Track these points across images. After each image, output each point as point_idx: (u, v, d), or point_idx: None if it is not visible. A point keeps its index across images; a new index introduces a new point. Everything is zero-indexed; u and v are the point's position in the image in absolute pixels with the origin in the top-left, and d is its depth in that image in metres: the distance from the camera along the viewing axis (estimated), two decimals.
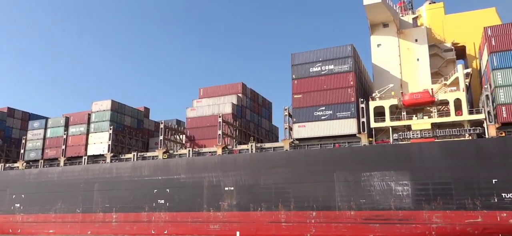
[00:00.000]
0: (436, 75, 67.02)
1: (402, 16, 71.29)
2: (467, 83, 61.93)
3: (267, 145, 68.92)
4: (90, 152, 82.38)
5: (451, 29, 71.75)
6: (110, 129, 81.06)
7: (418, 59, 66.13)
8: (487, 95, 55.10)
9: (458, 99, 57.03)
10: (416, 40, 66.95)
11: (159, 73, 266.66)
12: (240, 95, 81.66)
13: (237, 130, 77.14)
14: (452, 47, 68.35)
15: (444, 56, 67.66)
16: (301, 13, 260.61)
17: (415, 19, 69.55)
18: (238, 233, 64.02)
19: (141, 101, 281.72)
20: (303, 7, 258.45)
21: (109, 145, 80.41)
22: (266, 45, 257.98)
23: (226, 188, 66.43)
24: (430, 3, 76.92)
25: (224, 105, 77.47)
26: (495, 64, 55.43)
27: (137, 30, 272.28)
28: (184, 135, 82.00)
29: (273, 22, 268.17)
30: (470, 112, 56.79)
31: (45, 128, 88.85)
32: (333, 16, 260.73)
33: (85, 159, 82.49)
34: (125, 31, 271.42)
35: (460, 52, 71.48)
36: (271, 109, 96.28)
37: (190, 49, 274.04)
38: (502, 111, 53.58)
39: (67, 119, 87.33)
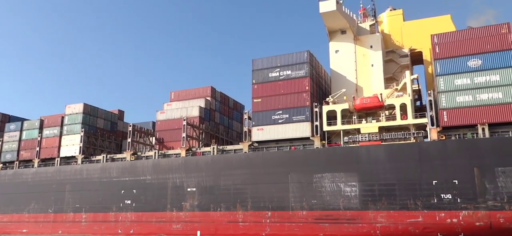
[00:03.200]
0: (391, 80, 69.58)
1: (361, 23, 73.73)
2: (415, 88, 64.62)
3: (228, 147, 71.37)
4: (63, 153, 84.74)
5: (409, 35, 74.33)
6: (82, 131, 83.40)
7: (372, 65, 68.62)
8: (430, 100, 57.64)
9: (403, 103, 59.55)
10: (371, 47, 69.45)
11: (136, 76, 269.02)
12: (208, 98, 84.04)
13: (204, 133, 79.52)
14: (407, 53, 70.87)
15: (399, 62, 70.22)
16: (282, 15, 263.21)
17: (372, 26, 71.97)
18: (198, 232, 66.42)
19: (120, 104, 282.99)
20: (284, 7, 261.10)
21: (80, 147, 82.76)
22: (246, 49, 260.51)
23: (189, 189, 68.87)
24: (390, 10, 79.60)
25: (192, 109, 79.80)
26: (438, 70, 58.01)
27: (120, 32, 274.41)
28: (154, 138, 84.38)
29: (259, 24, 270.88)
30: (415, 116, 59.28)
31: (21, 130, 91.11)
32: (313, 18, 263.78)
33: (58, 160, 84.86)
34: (113, 34, 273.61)
35: (418, 58, 74.10)
36: (243, 112, 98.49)
37: (167, 51, 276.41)
38: (444, 115, 56.14)
39: (41, 122, 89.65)
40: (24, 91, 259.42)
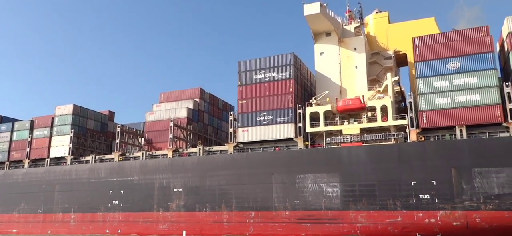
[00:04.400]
0: (375, 82, 70.39)
1: (346, 25, 74.55)
2: (398, 90, 65.51)
3: (214, 148, 72.24)
4: (53, 154, 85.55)
5: (394, 37, 75.14)
6: (71, 132, 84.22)
7: (356, 67, 69.42)
8: (410, 102, 58.52)
9: (384, 105, 60.44)
10: (355, 49, 70.25)
11: (129, 77, 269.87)
12: (197, 99, 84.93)
13: (192, 134, 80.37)
14: (391, 55, 71.72)
15: (383, 64, 71.06)
16: (277, 15, 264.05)
17: (357, 28, 72.74)
18: (184, 232, 67.25)
19: (113, 105, 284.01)
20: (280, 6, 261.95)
21: (69, 148, 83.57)
22: (240, 49, 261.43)
23: (175, 190, 69.69)
24: (377, 13, 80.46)
25: (180, 110, 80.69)
26: (418, 73, 58.92)
27: (117, 32, 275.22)
28: (142, 138, 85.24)
29: (257, 25, 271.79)
30: (396, 118, 60.17)
31: (12, 131, 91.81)
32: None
33: (47, 161, 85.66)
34: (112, 35, 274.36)
35: (404, 60, 74.93)
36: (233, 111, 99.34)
37: (160, 51, 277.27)
38: (423, 117, 57.04)
39: (32, 123, 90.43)
40: (17, 91, 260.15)
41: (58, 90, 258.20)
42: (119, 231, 72.71)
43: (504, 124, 53.22)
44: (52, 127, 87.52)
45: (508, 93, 53.92)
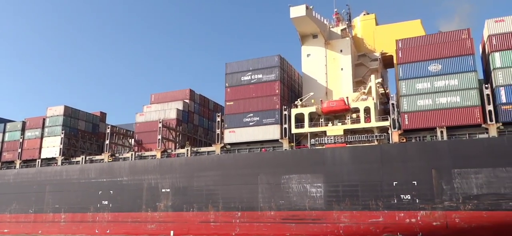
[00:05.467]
0: (361, 83, 71.18)
1: (333, 27, 75.38)
2: (382, 91, 66.36)
3: (202, 149, 73.11)
4: (44, 155, 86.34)
5: (381, 39, 75.97)
6: (62, 133, 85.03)
7: (342, 69, 70.27)
8: (392, 104, 59.36)
9: (367, 107, 61.29)
10: (341, 51, 71.11)
11: (121, 78, 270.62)
12: (187, 101, 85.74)
13: (181, 135, 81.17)
14: (377, 57, 72.57)
15: (369, 66, 71.90)
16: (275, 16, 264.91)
17: (343, 30, 73.56)
18: (172, 232, 68.04)
19: (107, 105, 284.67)
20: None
21: (60, 148, 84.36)
22: (234, 50, 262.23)
23: (163, 190, 70.49)
24: (364, 15, 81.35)
25: (170, 111, 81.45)
26: (400, 75, 59.77)
27: (112, 32, 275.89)
28: (133, 139, 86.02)
29: (262, 25, 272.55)
30: (379, 119, 61.00)
31: (4, 132, 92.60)
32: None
33: (39, 162, 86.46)
34: (111, 35, 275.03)
35: (391, 61, 75.70)
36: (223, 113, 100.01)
37: (151, 53, 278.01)
38: (405, 118, 57.87)
39: (24, 124, 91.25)
40: (10, 92, 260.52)
41: (52, 91, 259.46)
42: (108, 231, 73.47)
43: (483, 125, 54.05)
44: (43, 128, 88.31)
45: (487, 95, 54.78)
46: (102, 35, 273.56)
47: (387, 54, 74.57)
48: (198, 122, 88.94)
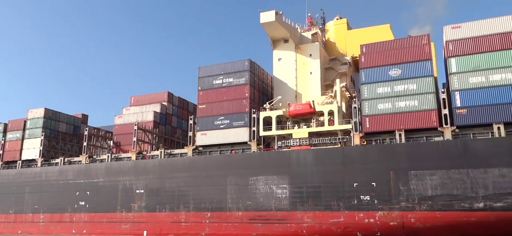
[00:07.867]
0: (330, 87, 72.94)
1: (304, 32, 77.12)
2: (349, 95, 68.16)
3: (175, 151, 74.87)
4: (24, 156, 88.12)
5: (352, 43, 77.79)
6: (42, 135, 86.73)
7: (311, 73, 72.01)
8: (355, 107, 61.18)
9: (331, 110, 63.12)
10: (311, 55, 72.86)
11: (102, 81, 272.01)
12: (165, 103, 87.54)
13: (158, 137, 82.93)
14: (347, 61, 74.38)
15: (338, 69, 73.66)
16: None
17: (314, 35, 75.28)
18: (145, 232, 69.81)
19: (90, 108, 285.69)
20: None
21: (40, 150, 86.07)
22: (213, 54, 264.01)
23: (137, 191, 72.24)
24: (337, 19, 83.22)
25: (147, 113, 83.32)
26: (363, 79, 61.58)
27: (99, 34, 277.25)
28: (111, 141, 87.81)
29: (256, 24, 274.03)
30: (341, 123, 62.84)
31: None
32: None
33: (19, 163, 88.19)
34: (110, 36, 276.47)
35: None
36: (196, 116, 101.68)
37: (132, 57, 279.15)
38: (366, 122, 59.70)
39: (5, 126, 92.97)
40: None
41: (38, 93, 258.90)
42: (84, 231, 75.22)
43: (439, 129, 55.90)
44: (24, 130, 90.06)
45: (444, 99, 56.63)
46: (88, 36, 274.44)
47: (357, 58, 76.28)
48: (176, 124, 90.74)
